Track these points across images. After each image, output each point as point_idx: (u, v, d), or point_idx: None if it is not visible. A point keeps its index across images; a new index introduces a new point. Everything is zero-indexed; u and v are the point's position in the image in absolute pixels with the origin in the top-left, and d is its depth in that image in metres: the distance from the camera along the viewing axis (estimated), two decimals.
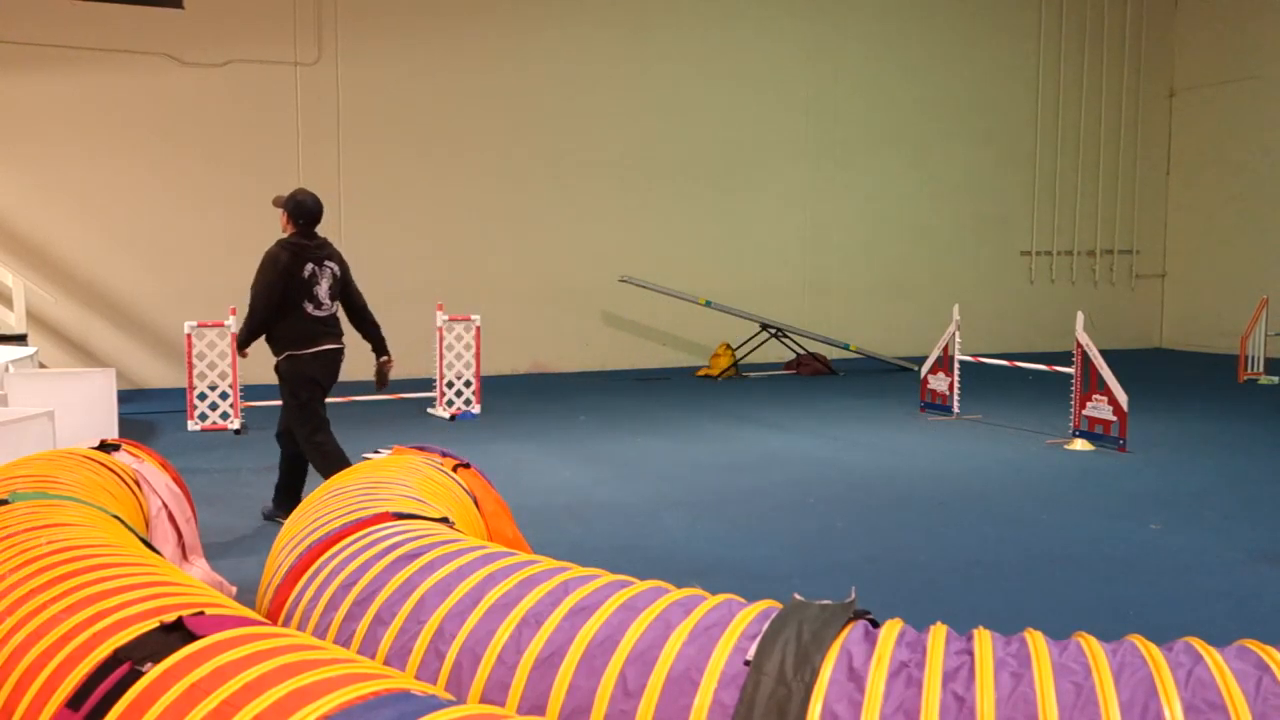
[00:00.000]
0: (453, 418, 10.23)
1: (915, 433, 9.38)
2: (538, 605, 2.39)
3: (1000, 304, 17.19)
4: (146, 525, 4.26)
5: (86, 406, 7.97)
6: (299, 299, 5.93)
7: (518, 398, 11.83)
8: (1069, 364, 8.86)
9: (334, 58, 13.47)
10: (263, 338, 6.16)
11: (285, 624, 2.88)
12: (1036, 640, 2.05)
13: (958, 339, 10.05)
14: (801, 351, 14.67)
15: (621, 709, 2.11)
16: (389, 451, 4.42)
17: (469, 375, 10.59)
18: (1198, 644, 2.01)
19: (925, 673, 1.98)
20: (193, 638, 1.99)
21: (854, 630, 2.13)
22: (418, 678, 2.37)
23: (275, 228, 11.65)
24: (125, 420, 9.29)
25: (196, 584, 2.52)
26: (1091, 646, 2.01)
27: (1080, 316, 8.86)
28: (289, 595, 2.94)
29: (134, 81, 12.65)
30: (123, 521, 3.36)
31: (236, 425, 9.63)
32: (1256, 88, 16.99)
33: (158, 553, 3.15)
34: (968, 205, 17.13)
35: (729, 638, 2.16)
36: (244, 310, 6.39)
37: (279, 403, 11.26)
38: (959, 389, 10.09)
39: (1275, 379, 13.00)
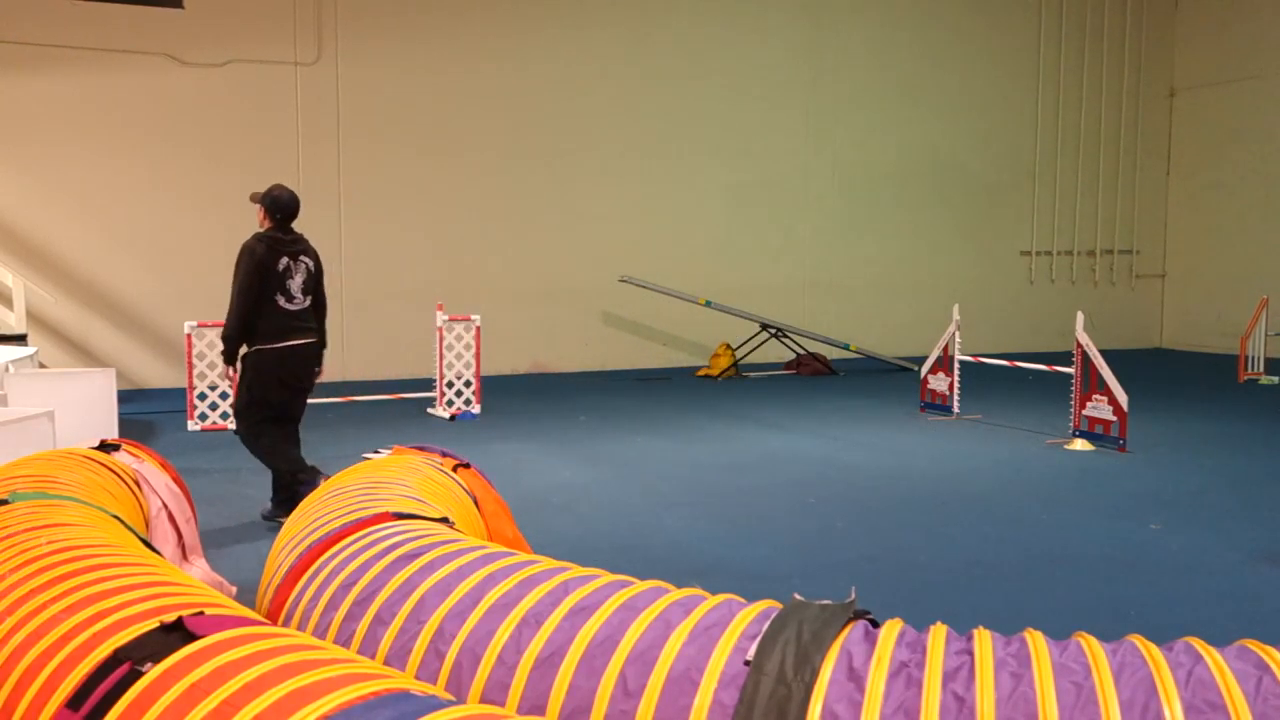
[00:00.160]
0: (453, 418, 10.23)
1: (915, 433, 9.38)
2: (538, 605, 2.39)
3: (1000, 304, 17.19)
4: (146, 525, 4.26)
5: (86, 406, 7.97)
6: (272, 292, 5.98)
7: (518, 398, 11.83)
8: (1069, 364, 8.86)
9: (334, 58, 13.47)
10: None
11: (285, 624, 2.88)
12: (1036, 640, 2.05)
13: (958, 339, 10.05)
14: (801, 351, 14.67)
15: (621, 709, 2.11)
16: (389, 451, 4.42)
17: (469, 375, 10.59)
18: (1198, 644, 2.01)
19: (925, 673, 1.98)
20: (193, 638, 1.99)
21: (854, 630, 2.13)
22: (418, 678, 2.37)
23: None
24: (125, 420, 9.29)
25: (196, 584, 2.52)
26: (1091, 646, 2.01)
27: (1080, 316, 8.86)
28: (289, 595, 2.94)
29: (134, 81, 12.65)
30: (123, 521, 3.36)
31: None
32: (1256, 88, 16.99)
33: (158, 553, 3.15)
34: (968, 205, 17.13)
35: (729, 638, 2.16)
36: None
37: None
38: (959, 389, 10.09)
39: (1275, 379, 13.00)
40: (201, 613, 2.12)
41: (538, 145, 14.48)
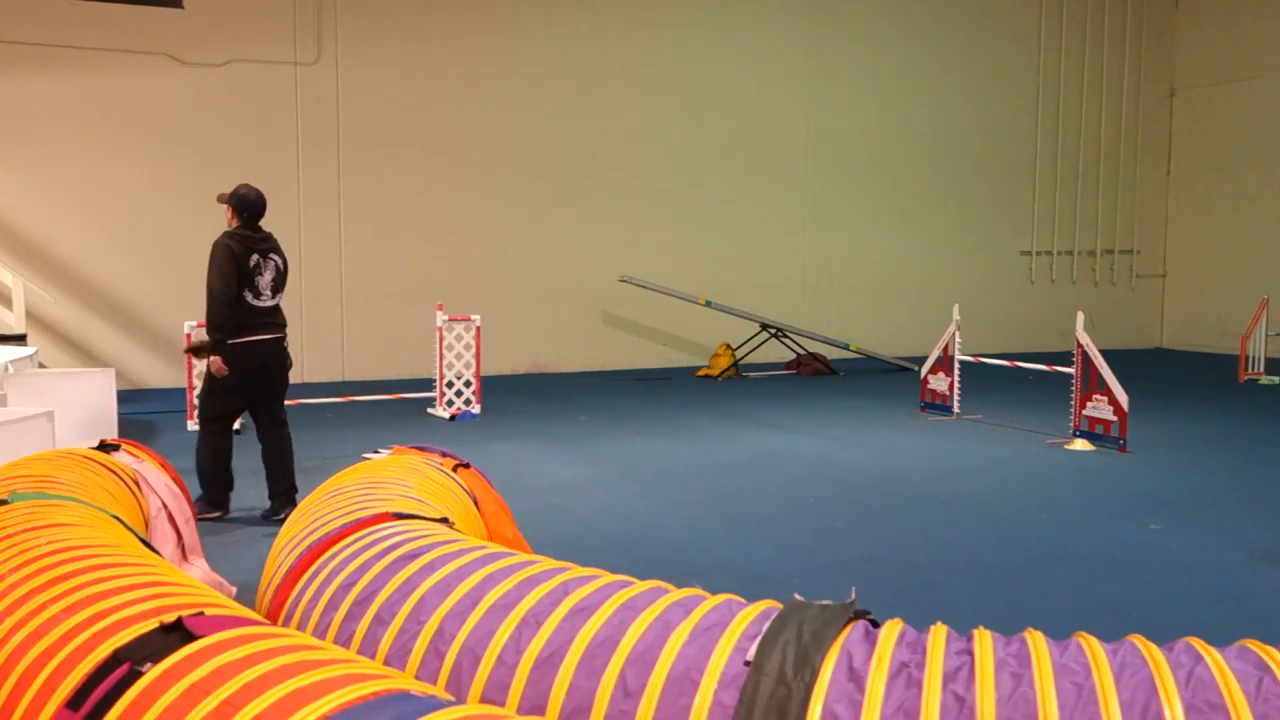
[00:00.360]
0: (453, 418, 10.23)
1: (915, 433, 9.38)
2: (538, 605, 2.39)
3: (1000, 304, 17.18)
4: (146, 525, 4.26)
5: (86, 406, 7.97)
6: (241, 289, 6.10)
7: (518, 398, 11.83)
8: (1069, 364, 8.86)
9: (334, 58, 13.47)
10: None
11: (285, 624, 2.88)
12: (1037, 640, 2.05)
13: (958, 339, 10.05)
14: (801, 351, 14.67)
15: (621, 709, 2.10)
16: (389, 451, 4.42)
17: (469, 375, 10.59)
18: (1198, 644, 2.01)
19: (925, 673, 1.98)
20: (192, 638, 1.99)
21: (854, 630, 2.13)
22: (418, 678, 2.37)
23: (274, 227, 11.66)
24: (125, 420, 9.29)
25: (196, 584, 2.52)
26: (1092, 647, 2.01)
27: (1080, 316, 8.86)
28: (289, 595, 2.94)
29: (134, 81, 12.65)
30: (122, 521, 3.36)
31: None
32: (1256, 88, 16.99)
33: (157, 553, 3.15)
34: (968, 205, 17.13)
35: (729, 638, 2.16)
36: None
37: None
38: (959, 389, 10.09)
39: (1276, 379, 13.00)
40: (201, 613, 2.12)
41: (538, 145, 14.48)
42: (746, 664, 2.08)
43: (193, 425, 9.57)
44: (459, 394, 10.61)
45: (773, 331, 14.52)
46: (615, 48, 14.84)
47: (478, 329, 10.66)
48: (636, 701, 2.10)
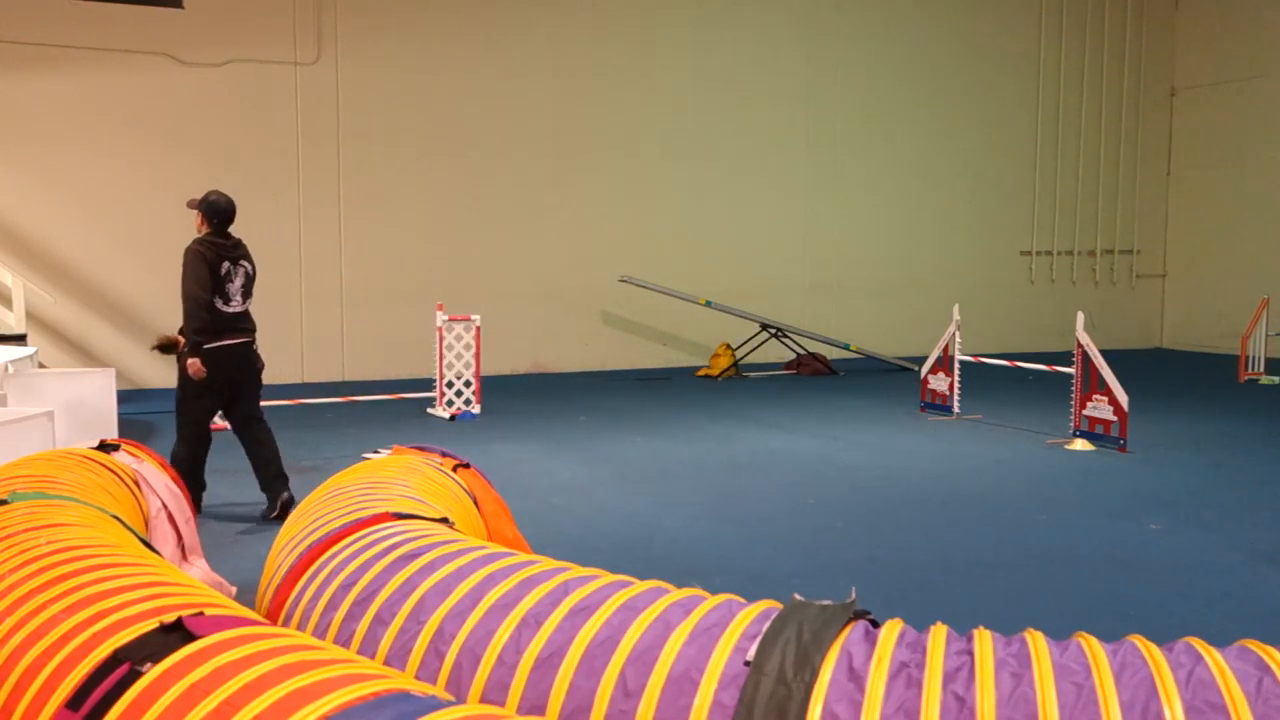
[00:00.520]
0: (453, 418, 10.23)
1: (915, 433, 9.38)
2: (538, 605, 2.39)
3: (1000, 304, 17.19)
4: (146, 525, 4.26)
5: (86, 406, 7.97)
6: (212, 294, 6.19)
7: (518, 398, 11.83)
8: (1069, 364, 8.86)
9: (334, 58, 13.46)
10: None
11: (285, 624, 2.88)
12: (1037, 640, 2.05)
13: (958, 339, 10.05)
14: (801, 351, 14.67)
15: (621, 709, 2.10)
16: (389, 451, 4.42)
17: (469, 375, 10.59)
18: (1198, 644, 2.01)
19: (925, 673, 1.98)
20: (192, 638, 1.99)
21: (854, 630, 2.13)
22: (418, 678, 2.37)
23: (274, 227, 11.77)
24: (125, 420, 9.29)
25: (196, 584, 2.52)
26: (1092, 647, 2.01)
27: (1080, 316, 8.86)
28: (289, 595, 2.94)
29: (134, 81, 12.65)
30: (122, 522, 3.36)
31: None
32: (1256, 87, 16.99)
33: (157, 553, 3.15)
34: (968, 205, 17.13)
35: (729, 638, 2.16)
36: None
37: (276, 402, 11.28)
38: (959, 389, 10.09)
39: (1276, 379, 13.00)
40: (201, 613, 2.12)
41: (538, 145, 14.48)
42: (746, 664, 2.08)
43: None
44: (459, 394, 10.61)
45: (773, 331, 14.52)
46: (615, 48, 14.84)
47: (478, 329, 10.66)
48: (636, 701, 2.10)
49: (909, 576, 5.07)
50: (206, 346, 6.12)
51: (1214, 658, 1.94)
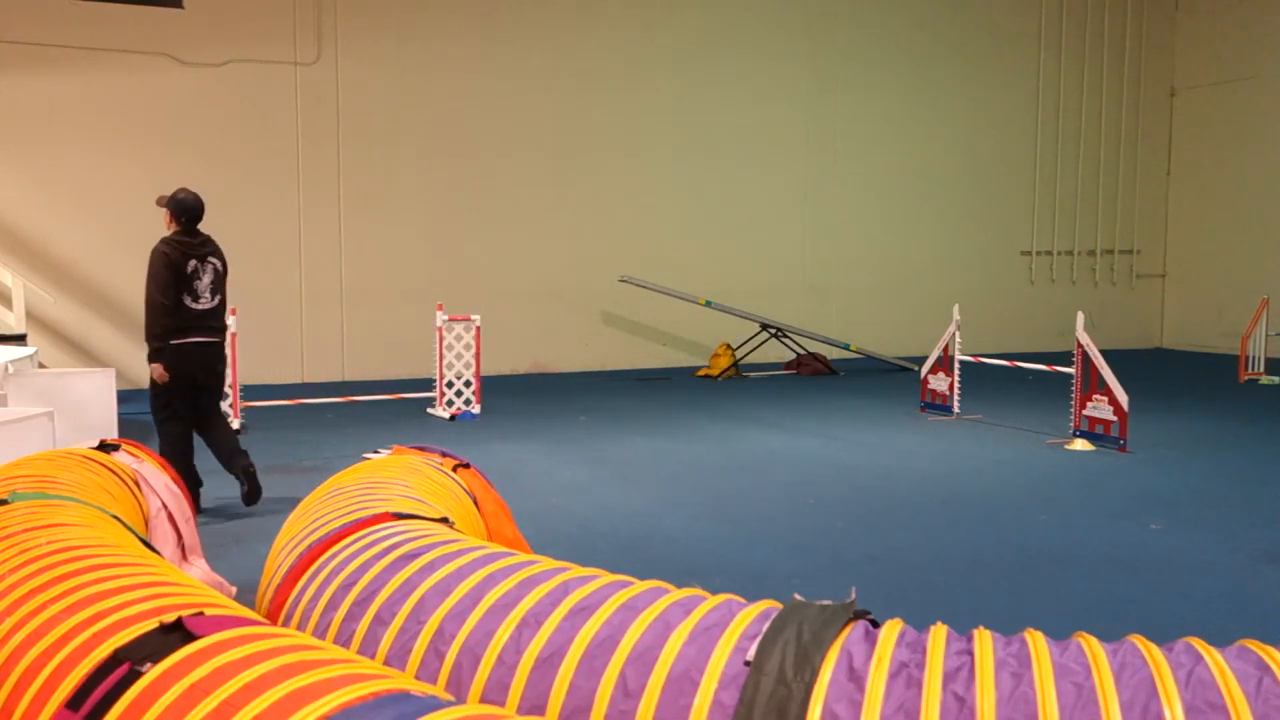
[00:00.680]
0: (453, 418, 10.23)
1: (915, 433, 9.38)
2: (538, 605, 2.39)
3: (1000, 304, 17.19)
4: (146, 525, 4.26)
5: (86, 406, 7.97)
6: (179, 293, 6.26)
7: (518, 398, 11.83)
8: (1069, 364, 8.86)
9: (334, 58, 13.47)
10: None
11: (285, 624, 2.88)
12: (1037, 640, 2.05)
13: (958, 339, 10.05)
14: (801, 351, 14.67)
15: (621, 709, 2.10)
16: (389, 451, 4.42)
17: (469, 375, 10.59)
18: (1198, 644, 2.01)
19: (925, 673, 1.98)
20: (192, 638, 1.99)
21: (854, 630, 2.13)
22: (418, 678, 2.37)
23: (274, 227, 11.78)
24: (125, 420, 9.29)
25: (196, 584, 2.52)
26: (1092, 647, 2.01)
27: (1080, 316, 8.86)
28: (289, 595, 2.94)
29: (134, 81, 12.65)
30: (122, 522, 3.36)
31: (236, 425, 9.63)
32: (1256, 88, 17.00)
33: (157, 553, 3.15)
34: (968, 205, 17.14)
35: (729, 638, 2.16)
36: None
37: (276, 402, 11.28)
38: (959, 389, 10.09)
39: (1276, 379, 13.00)
40: (201, 613, 2.12)
41: (538, 145, 14.48)
42: (746, 664, 2.08)
43: None
44: (459, 394, 10.61)
45: (773, 331, 14.52)
46: (615, 48, 14.84)
47: (478, 329, 10.66)
48: (636, 701, 2.10)
49: (909, 576, 5.07)
50: (176, 343, 6.20)
51: (1214, 658, 1.94)
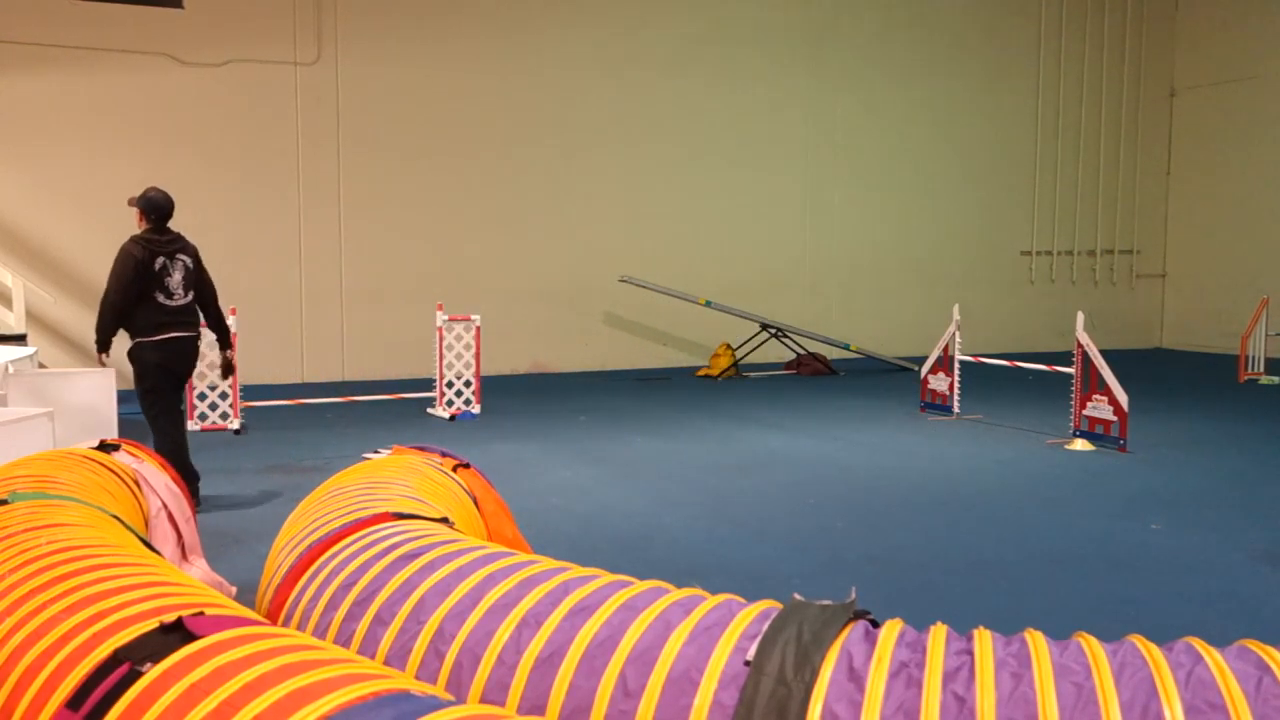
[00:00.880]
0: (453, 418, 10.23)
1: (915, 433, 9.38)
2: (538, 605, 2.39)
3: (1000, 304, 17.19)
4: (146, 525, 4.25)
5: (86, 406, 7.97)
6: (151, 290, 6.37)
7: (518, 398, 11.83)
8: (1069, 364, 8.86)
9: (334, 58, 13.47)
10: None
11: (285, 624, 2.88)
12: (1037, 640, 2.05)
13: (958, 339, 10.05)
14: (801, 351, 14.67)
15: (621, 709, 2.10)
16: (389, 451, 4.41)
17: (469, 375, 10.59)
18: (1198, 644, 2.01)
19: (925, 673, 1.98)
20: (192, 638, 1.99)
21: (854, 630, 2.13)
22: (418, 678, 2.37)
23: (274, 227, 11.79)
24: (125, 420, 9.29)
25: (196, 584, 2.52)
26: (1092, 647, 2.01)
27: (1080, 316, 8.86)
28: (289, 595, 2.94)
29: (134, 81, 12.65)
30: (122, 521, 3.36)
31: (236, 425, 9.63)
32: (1256, 88, 17.00)
33: (157, 553, 3.15)
34: (968, 205, 17.14)
35: (729, 638, 2.16)
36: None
37: (276, 402, 11.28)
38: (959, 389, 10.09)
39: (1276, 379, 13.00)
40: (201, 613, 2.12)
41: (538, 145, 14.48)
42: (746, 664, 2.08)
43: (192, 425, 9.58)
44: (459, 394, 10.62)
45: (773, 331, 14.52)
46: (615, 48, 14.84)
47: (478, 329, 10.66)
48: (636, 701, 2.10)
49: (909, 576, 5.07)
50: (154, 339, 6.36)
51: (1214, 658, 1.94)
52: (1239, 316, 15.62)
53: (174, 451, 6.33)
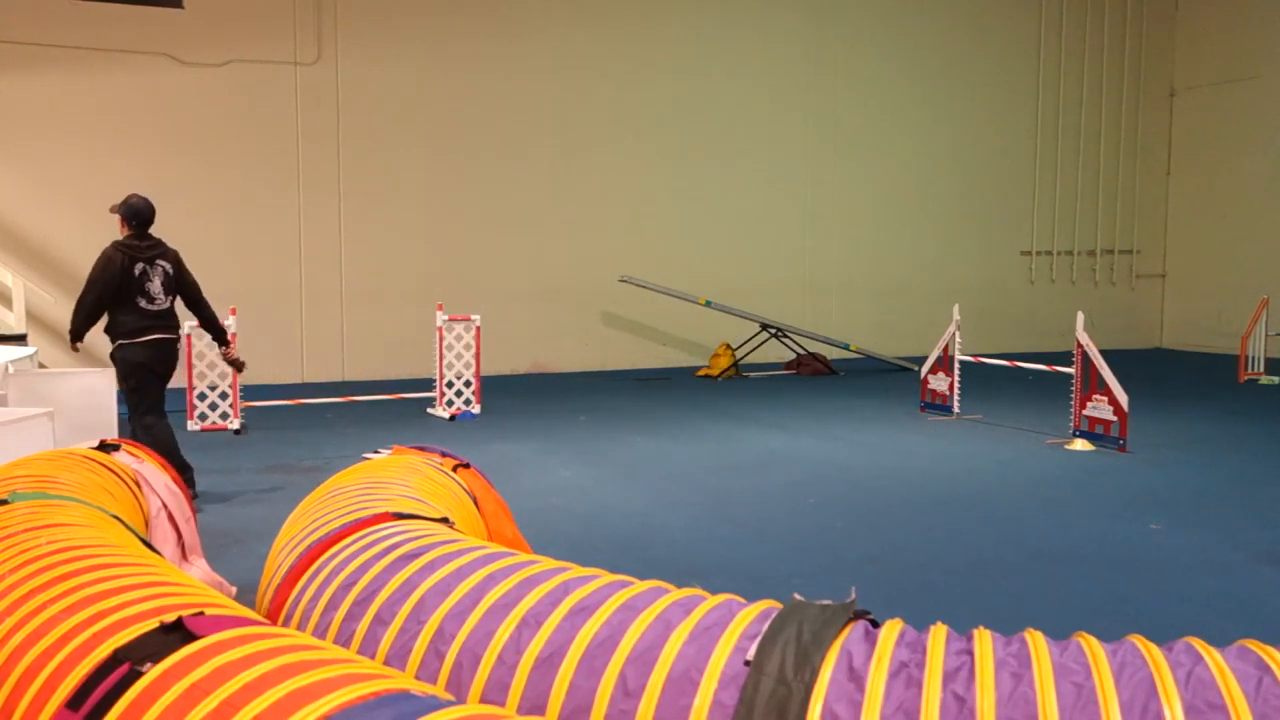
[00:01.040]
0: (453, 418, 10.23)
1: (915, 433, 9.38)
2: (538, 605, 2.39)
3: (1000, 304, 17.19)
4: (146, 525, 4.25)
5: (86, 406, 7.96)
6: (132, 295, 6.51)
7: (518, 398, 11.83)
8: (1069, 364, 8.86)
9: (334, 58, 13.47)
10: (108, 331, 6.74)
11: (285, 624, 2.88)
12: (1036, 640, 2.05)
13: (958, 339, 10.05)
14: (801, 351, 14.67)
15: (621, 709, 2.10)
16: (389, 451, 4.41)
17: (469, 375, 10.59)
18: (1198, 644, 2.01)
19: (925, 673, 1.98)
20: (193, 638, 1.99)
21: (854, 630, 2.13)
22: (418, 678, 2.37)
23: (274, 227, 11.81)
24: (125, 420, 9.29)
25: (196, 584, 2.52)
26: (1092, 647, 2.01)
27: (1080, 316, 8.86)
28: (289, 595, 2.94)
29: (134, 81, 12.65)
30: (123, 521, 3.36)
31: (236, 425, 9.63)
32: (1256, 88, 17.00)
33: (158, 553, 3.15)
34: (968, 205, 17.14)
35: (729, 638, 2.16)
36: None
37: (276, 402, 11.29)
38: (959, 389, 10.09)
39: (1275, 379, 13.00)
40: (201, 613, 2.12)
41: (538, 145, 14.48)
42: (746, 664, 2.08)
43: (192, 425, 9.59)
44: (459, 394, 10.62)
45: (773, 331, 14.52)
46: (615, 48, 14.84)
47: (478, 329, 10.66)
48: (636, 701, 2.10)
49: (909, 576, 5.07)
50: (136, 341, 6.50)
51: (1214, 658, 1.94)
52: (1239, 316, 15.61)
53: (164, 449, 6.35)
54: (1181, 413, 10.54)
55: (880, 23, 16.38)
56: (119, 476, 4.19)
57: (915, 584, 4.96)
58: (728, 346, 14.18)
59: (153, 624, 2.09)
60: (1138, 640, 2.05)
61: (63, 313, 12.47)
